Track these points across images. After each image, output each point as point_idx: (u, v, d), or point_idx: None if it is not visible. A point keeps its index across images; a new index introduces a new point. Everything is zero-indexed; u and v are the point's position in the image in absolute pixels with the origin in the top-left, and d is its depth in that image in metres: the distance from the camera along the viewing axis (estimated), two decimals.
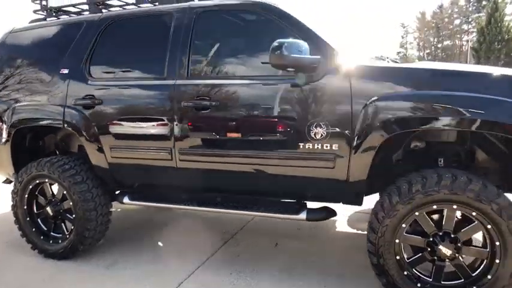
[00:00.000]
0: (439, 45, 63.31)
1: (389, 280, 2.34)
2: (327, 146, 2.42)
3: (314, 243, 3.41)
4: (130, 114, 2.93)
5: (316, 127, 2.42)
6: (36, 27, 3.43)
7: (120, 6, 3.51)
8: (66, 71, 3.13)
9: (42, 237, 3.27)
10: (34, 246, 3.27)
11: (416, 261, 2.35)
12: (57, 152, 3.60)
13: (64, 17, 3.58)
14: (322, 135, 2.42)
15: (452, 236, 2.25)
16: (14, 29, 3.52)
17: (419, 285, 2.31)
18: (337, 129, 2.39)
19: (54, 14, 3.50)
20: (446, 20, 60.65)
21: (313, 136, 2.43)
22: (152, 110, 2.86)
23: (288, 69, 2.36)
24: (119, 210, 4.31)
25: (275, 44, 2.29)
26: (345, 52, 2.53)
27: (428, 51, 64.42)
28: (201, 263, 3.03)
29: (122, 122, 2.95)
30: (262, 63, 2.54)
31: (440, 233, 2.27)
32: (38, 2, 3.48)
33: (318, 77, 2.42)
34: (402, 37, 66.26)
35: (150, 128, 2.86)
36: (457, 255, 2.25)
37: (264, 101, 2.58)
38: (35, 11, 3.50)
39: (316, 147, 2.44)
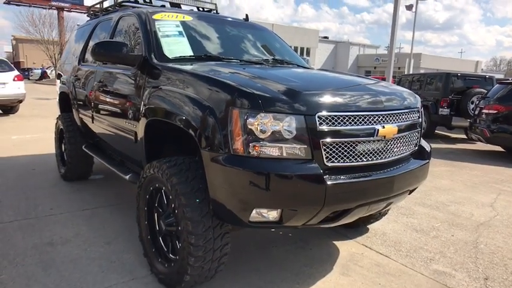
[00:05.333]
0: None
1: (141, 239, 2.82)
2: (131, 124, 3.04)
3: None
4: (81, 87, 4.26)
5: (129, 108, 3.07)
6: (83, 25, 5.13)
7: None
8: (76, 55, 4.69)
9: (62, 164, 5.04)
10: (58, 169, 5.10)
11: (159, 232, 2.71)
12: None
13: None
14: (130, 114, 3.04)
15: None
16: (79, 25, 5.35)
17: (153, 250, 2.70)
18: (135, 111, 2.96)
19: (92, 17, 5.07)
20: None
21: (128, 115, 3.09)
22: (88, 85, 4.05)
23: (105, 62, 3.08)
24: None
25: (96, 42, 3.05)
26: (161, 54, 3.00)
27: None
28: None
29: (78, 93, 4.31)
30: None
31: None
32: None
33: (137, 69, 3.03)
34: None
35: (86, 97, 4.08)
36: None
37: (113, 84, 3.42)
38: (88, 15, 5.20)
39: (129, 124, 3.08)
